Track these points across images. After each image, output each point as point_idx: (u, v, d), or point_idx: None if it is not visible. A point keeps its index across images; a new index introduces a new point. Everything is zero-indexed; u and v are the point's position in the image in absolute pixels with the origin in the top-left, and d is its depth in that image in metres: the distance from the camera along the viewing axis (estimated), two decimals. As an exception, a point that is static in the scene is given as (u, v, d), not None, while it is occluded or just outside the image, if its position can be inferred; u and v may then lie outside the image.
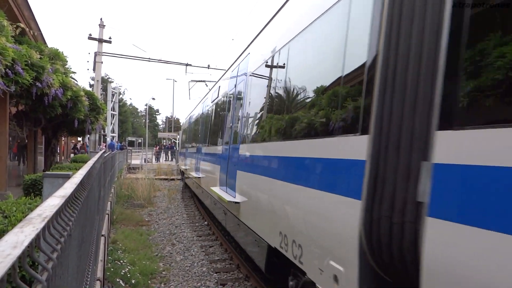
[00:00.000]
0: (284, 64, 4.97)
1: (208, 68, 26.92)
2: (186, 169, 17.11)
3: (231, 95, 8.25)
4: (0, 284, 0.78)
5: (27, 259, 1.13)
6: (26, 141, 14.41)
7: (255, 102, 6.17)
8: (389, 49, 2.57)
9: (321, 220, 3.36)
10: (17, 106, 10.76)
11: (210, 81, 22.24)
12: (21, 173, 14.46)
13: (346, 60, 3.24)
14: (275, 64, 5.38)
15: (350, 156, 2.90)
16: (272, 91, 5.46)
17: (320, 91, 3.74)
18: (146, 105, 78.36)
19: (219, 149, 8.66)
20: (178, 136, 49.88)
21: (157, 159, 41.21)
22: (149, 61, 25.55)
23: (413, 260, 2.25)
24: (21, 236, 1.01)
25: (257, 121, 5.99)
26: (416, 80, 2.39)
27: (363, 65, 2.88)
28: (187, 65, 25.64)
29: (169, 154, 43.76)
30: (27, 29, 10.52)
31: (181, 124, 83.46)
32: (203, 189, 10.91)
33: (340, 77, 3.31)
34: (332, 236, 3.12)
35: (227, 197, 6.60)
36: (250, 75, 6.62)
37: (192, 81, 24.47)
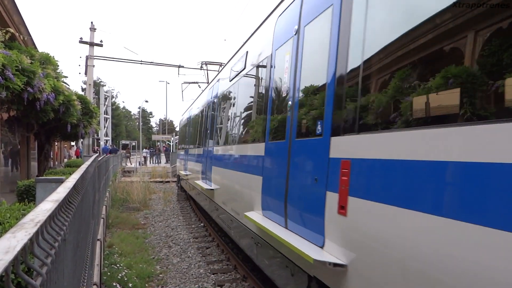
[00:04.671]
0: (229, 99, 8.25)
1: (201, 69, 26.83)
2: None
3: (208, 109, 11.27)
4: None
5: (22, 265, 1.12)
6: (19, 147, 14.29)
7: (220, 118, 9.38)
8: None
9: (243, 187, 6.24)
10: (9, 112, 10.66)
11: (203, 82, 22.18)
12: (14, 179, 14.34)
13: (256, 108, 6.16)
14: (228, 96, 8.33)
15: (256, 154, 5.52)
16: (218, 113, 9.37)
17: (244, 120, 6.83)
18: (139, 108, 78.08)
19: (200, 150, 11.53)
20: (172, 138, 49.71)
21: (146, 161, 40.61)
22: (141, 63, 25.41)
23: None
24: (13, 241, 1.00)
25: (220, 132, 9.08)
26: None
27: (262, 111, 5.60)
28: (179, 66, 25.52)
29: (164, 157, 43.52)
30: (17, 34, 10.44)
31: (175, 126, 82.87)
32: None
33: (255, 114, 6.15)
34: (246, 192, 5.93)
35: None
36: (218, 97, 9.55)
37: (185, 82, 24.29)
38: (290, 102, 4.41)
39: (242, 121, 6.97)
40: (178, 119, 26.52)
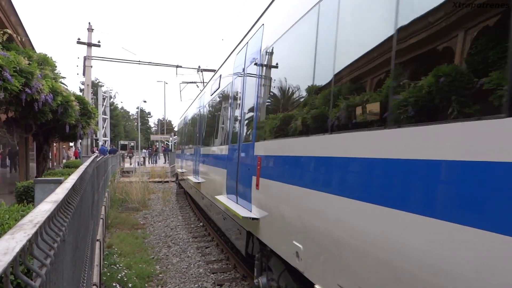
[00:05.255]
0: (210, 109, 10.41)
1: (198, 71, 26.79)
2: None
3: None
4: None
5: (21, 266, 1.12)
6: (17, 148, 14.25)
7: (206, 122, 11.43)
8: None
9: (217, 177, 7.85)
10: (7, 113, 10.65)
11: (201, 82, 22.16)
12: (13, 180, 14.30)
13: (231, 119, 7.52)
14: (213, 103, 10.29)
15: (224, 153, 7.21)
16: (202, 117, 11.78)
17: (218, 127, 8.68)
18: (137, 108, 77.85)
19: (192, 150, 13.50)
20: (170, 138, 49.65)
21: (145, 161, 40.50)
22: (139, 64, 25.37)
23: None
24: (12, 242, 1.00)
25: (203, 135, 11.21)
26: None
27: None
28: (177, 66, 25.47)
29: (163, 157, 43.43)
30: (15, 35, 10.41)
31: (173, 126, 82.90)
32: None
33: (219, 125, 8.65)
34: (219, 181, 7.53)
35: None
36: (203, 106, 11.75)
37: (183, 82, 24.28)
38: (240, 118, 6.31)
39: (217, 128, 8.99)
40: (176, 119, 26.60)
